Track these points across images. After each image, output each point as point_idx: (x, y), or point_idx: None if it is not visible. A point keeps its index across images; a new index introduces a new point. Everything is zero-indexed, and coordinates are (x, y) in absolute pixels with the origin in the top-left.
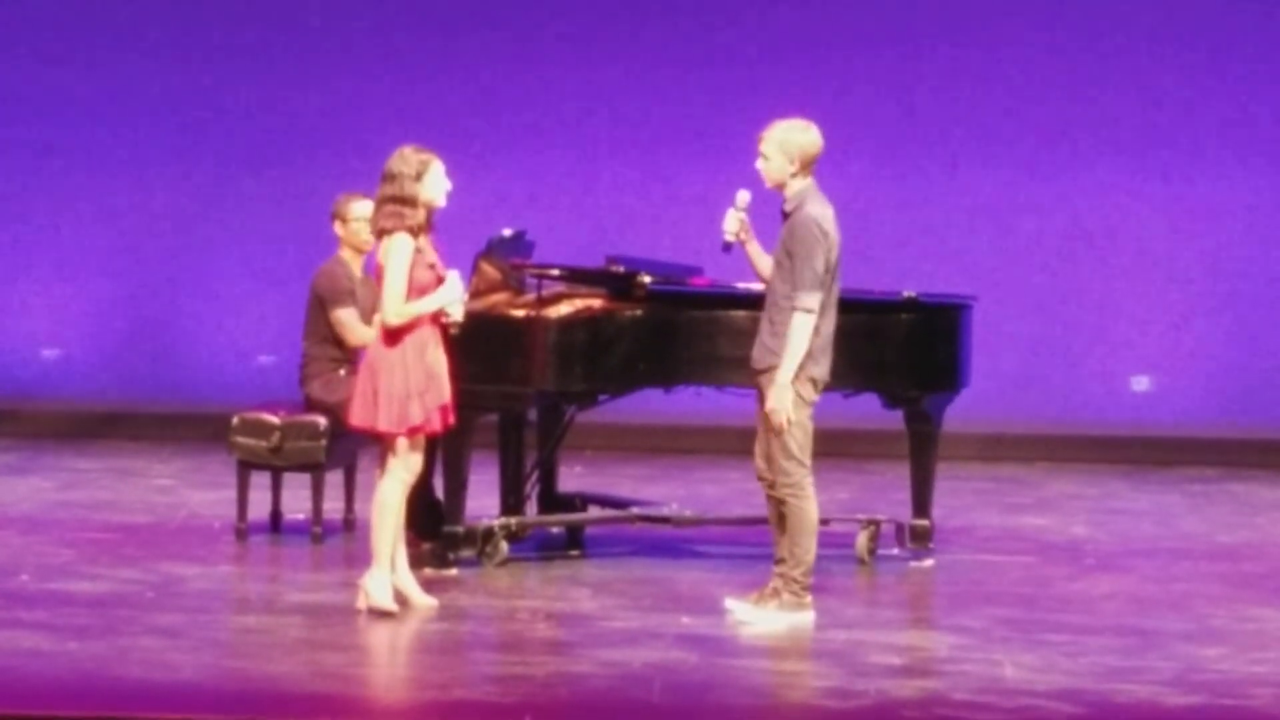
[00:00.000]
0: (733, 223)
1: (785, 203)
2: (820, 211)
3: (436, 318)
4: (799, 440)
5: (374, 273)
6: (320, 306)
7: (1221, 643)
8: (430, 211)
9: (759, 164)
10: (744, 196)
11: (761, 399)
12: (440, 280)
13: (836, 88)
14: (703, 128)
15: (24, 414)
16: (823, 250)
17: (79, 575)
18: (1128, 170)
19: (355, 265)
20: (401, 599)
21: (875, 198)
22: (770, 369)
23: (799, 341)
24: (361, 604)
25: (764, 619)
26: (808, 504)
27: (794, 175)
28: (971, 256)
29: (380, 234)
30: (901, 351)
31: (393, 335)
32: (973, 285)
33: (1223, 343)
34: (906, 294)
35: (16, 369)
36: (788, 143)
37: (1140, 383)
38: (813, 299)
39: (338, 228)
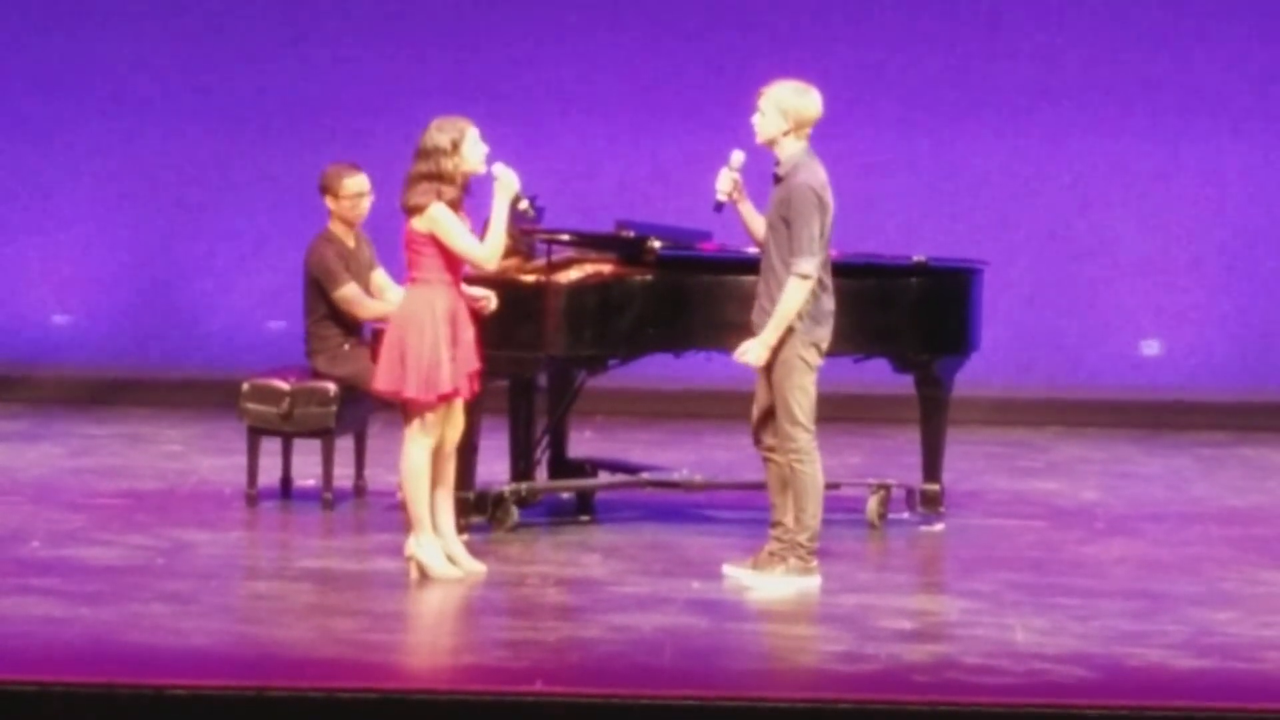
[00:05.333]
0: (725, 182)
1: (778, 166)
2: (816, 178)
3: (463, 279)
4: (803, 405)
5: (405, 246)
6: (316, 288)
7: (1232, 606)
8: (466, 180)
9: (754, 118)
10: (738, 156)
11: (763, 365)
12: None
13: (848, 51)
14: (714, 92)
15: (34, 380)
16: (819, 217)
17: (90, 541)
18: (1139, 133)
19: (347, 236)
20: (449, 563)
21: (886, 162)
22: None
23: (792, 304)
24: (414, 574)
25: (771, 584)
26: (813, 468)
27: (786, 134)
28: (981, 220)
29: (414, 210)
30: (912, 316)
31: (422, 300)
32: (983, 249)
33: (1233, 306)
34: (917, 258)
35: (27, 335)
36: (784, 101)
37: (1150, 346)
38: (810, 264)
39: (329, 202)
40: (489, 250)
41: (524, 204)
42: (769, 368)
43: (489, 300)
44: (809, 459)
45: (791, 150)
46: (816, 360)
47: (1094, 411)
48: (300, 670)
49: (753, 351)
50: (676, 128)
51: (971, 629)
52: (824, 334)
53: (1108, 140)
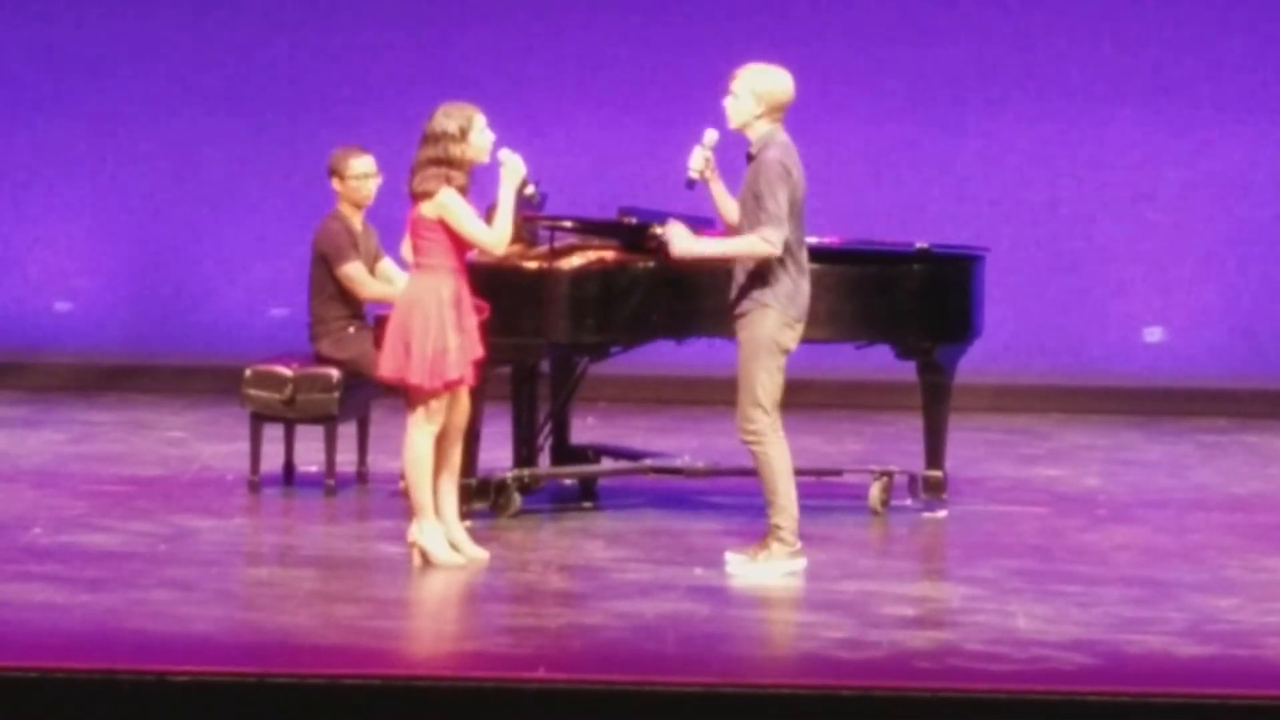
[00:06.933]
0: (698, 160)
1: (750, 145)
2: (785, 154)
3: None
4: (766, 387)
5: (411, 230)
6: (324, 265)
7: (1234, 593)
8: (472, 168)
9: (726, 101)
10: (712, 135)
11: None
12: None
13: (851, 37)
14: (716, 80)
15: (36, 367)
16: (786, 188)
17: (92, 528)
18: (1142, 121)
19: (355, 219)
20: (452, 549)
21: (889, 148)
22: (746, 313)
23: (740, 250)
24: (417, 561)
25: (756, 570)
26: (774, 449)
27: (758, 118)
28: (984, 207)
29: (423, 196)
30: (914, 303)
31: (428, 286)
32: (985, 236)
33: (1236, 293)
34: (919, 245)
35: (29, 322)
36: (758, 85)
37: (1153, 333)
38: (774, 234)
39: (335, 184)
40: (497, 236)
41: (530, 189)
42: (739, 345)
43: (483, 312)
44: (766, 441)
45: (763, 131)
46: (791, 343)
47: (1096, 398)
48: (302, 657)
49: (676, 236)
50: (680, 114)
51: (973, 616)
52: (801, 315)
53: (1111, 127)
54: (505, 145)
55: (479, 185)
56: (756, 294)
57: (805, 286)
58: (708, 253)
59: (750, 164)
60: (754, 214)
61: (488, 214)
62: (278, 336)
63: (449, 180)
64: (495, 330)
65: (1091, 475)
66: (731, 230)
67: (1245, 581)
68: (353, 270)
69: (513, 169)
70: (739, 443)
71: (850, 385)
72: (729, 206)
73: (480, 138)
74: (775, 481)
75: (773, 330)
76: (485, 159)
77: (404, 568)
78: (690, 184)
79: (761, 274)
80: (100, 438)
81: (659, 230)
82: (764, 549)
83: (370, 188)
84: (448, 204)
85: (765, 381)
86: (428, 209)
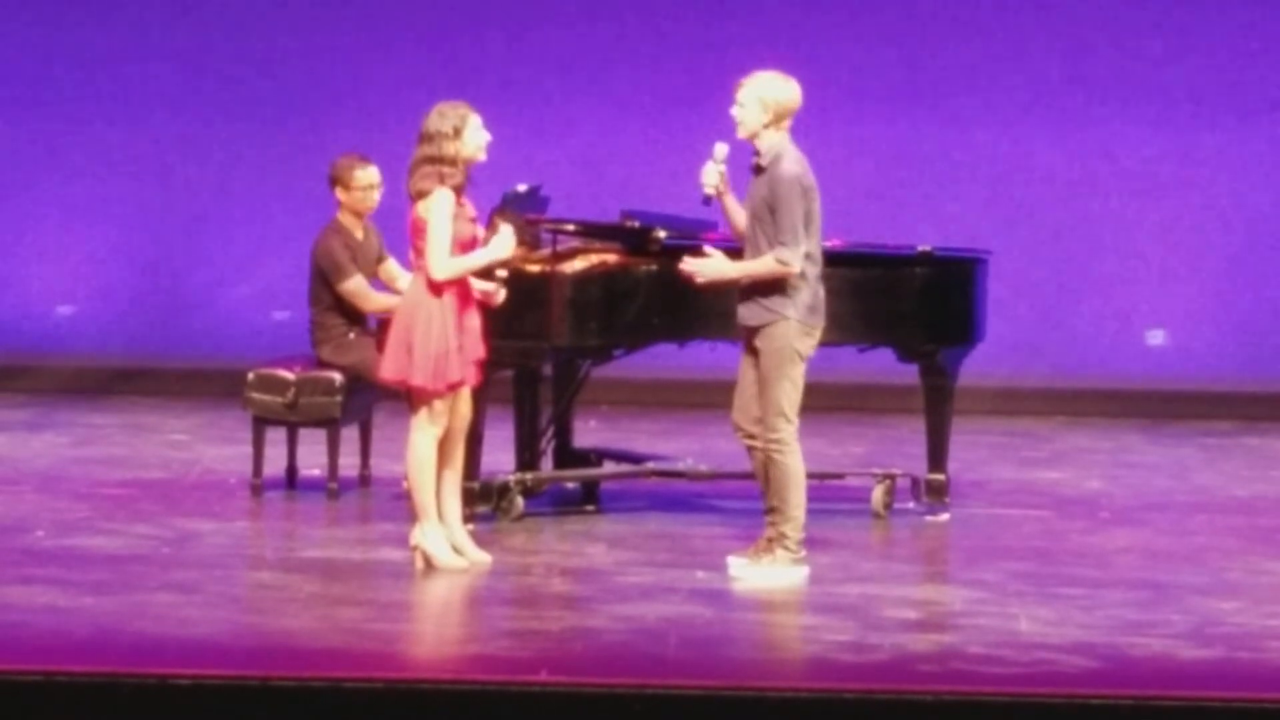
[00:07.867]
0: (712, 175)
1: (759, 156)
2: (799, 168)
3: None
4: (790, 397)
5: (411, 233)
6: (322, 278)
7: (1237, 596)
8: (468, 166)
9: (734, 110)
10: (722, 149)
11: (749, 350)
12: (475, 239)
13: (853, 40)
14: (718, 83)
15: (38, 370)
16: (803, 207)
17: (94, 531)
18: (1143, 122)
19: (356, 228)
20: (454, 552)
21: (890, 151)
22: (765, 325)
23: (762, 271)
24: (419, 564)
25: (759, 575)
26: (793, 459)
27: (767, 126)
28: (987, 210)
29: (419, 196)
30: (917, 305)
31: (435, 288)
32: (988, 239)
33: (1238, 296)
34: (922, 248)
35: (31, 325)
36: (765, 93)
37: (1155, 336)
38: (793, 255)
39: (339, 193)
40: (444, 268)
41: (503, 274)
42: (757, 354)
43: (498, 293)
44: (788, 450)
45: (771, 140)
46: (809, 350)
47: (1098, 401)
48: (305, 660)
49: (704, 267)
50: (683, 117)
51: (976, 619)
52: (820, 322)
53: (1113, 130)
54: (508, 148)
55: (479, 186)
56: (777, 305)
57: (822, 293)
58: (732, 276)
59: (759, 174)
60: (767, 226)
61: (489, 222)
62: (280, 339)
63: (443, 179)
64: (498, 333)
65: (1094, 478)
66: (740, 238)
67: (1247, 584)
68: (354, 285)
69: (501, 246)
70: (737, 444)
71: (853, 388)
72: (740, 218)
73: (475, 136)
74: (788, 491)
75: (794, 340)
76: (482, 156)
77: (406, 571)
78: (707, 200)
79: (781, 285)
80: (103, 441)
81: (685, 268)
82: (766, 552)
83: (375, 198)
84: (433, 206)
85: (789, 391)
86: (423, 209)
